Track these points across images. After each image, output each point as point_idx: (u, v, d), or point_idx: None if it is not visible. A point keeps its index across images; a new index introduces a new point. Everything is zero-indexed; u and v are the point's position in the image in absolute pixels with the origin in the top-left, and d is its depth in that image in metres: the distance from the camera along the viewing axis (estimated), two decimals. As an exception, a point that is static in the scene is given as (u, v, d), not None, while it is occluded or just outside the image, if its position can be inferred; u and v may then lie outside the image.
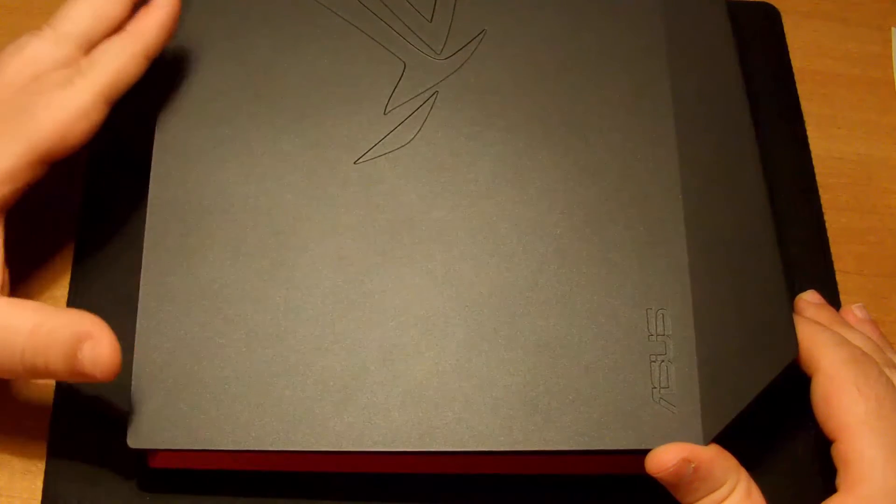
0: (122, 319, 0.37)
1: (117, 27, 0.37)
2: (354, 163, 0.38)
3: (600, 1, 0.42)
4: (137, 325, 0.35)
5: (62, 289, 0.40)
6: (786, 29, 0.50)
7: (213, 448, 0.34)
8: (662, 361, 0.35)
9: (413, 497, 0.37)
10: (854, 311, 0.40)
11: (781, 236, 0.38)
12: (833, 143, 0.48)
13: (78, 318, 0.32)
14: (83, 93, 0.35)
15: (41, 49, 0.36)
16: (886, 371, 0.36)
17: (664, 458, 0.33)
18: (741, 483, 0.34)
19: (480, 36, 0.41)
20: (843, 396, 0.34)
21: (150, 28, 0.37)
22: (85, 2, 0.37)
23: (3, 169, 0.34)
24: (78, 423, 0.37)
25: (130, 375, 0.34)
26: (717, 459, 0.33)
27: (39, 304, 0.33)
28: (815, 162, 0.46)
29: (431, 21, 0.41)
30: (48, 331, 0.32)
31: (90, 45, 0.37)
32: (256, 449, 0.34)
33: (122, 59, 0.36)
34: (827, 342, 0.36)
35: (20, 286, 0.39)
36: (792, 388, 0.36)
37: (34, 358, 0.32)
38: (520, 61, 0.40)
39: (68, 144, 0.35)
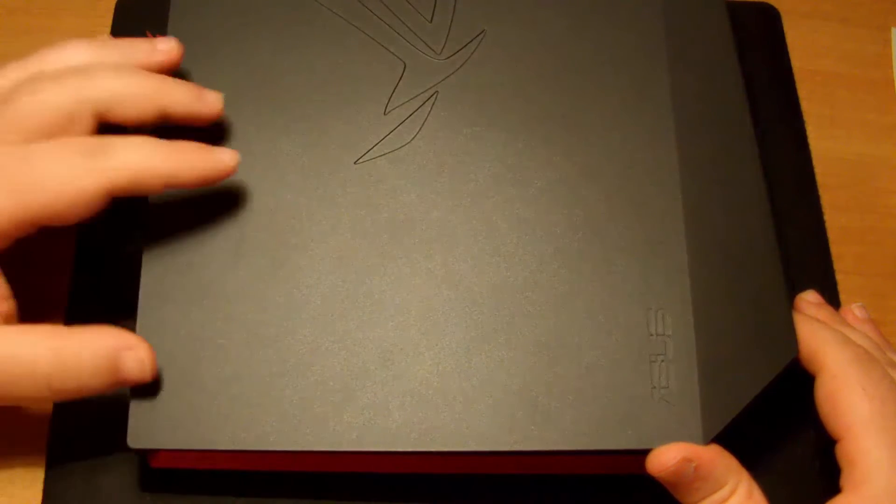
0: (122, 320, 0.38)
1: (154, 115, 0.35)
2: (354, 163, 0.38)
3: (600, 1, 0.42)
4: (137, 325, 0.35)
5: (63, 288, 0.40)
6: (786, 29, 0.50)
7: (213, 448, 0.34)
8: (662, 361, 0.35)
9: (413, 497, 0.37)
10: (854, 310, 0.40)
11: (781, 236, 0.38)
12: (833, 143, 0.48)
13: (103, 332, 0.33)
14: (95, 177, 0.33)
15: (52, 96, 0.33)
16: (889, 371, 0.36)
17: (665, 458, 0.33)
18: (742, 483, 0.33)
19: (480, 36, 0.41)
20: (848, 396, 0.34)
21: (191, 167, 0.34)
22: (121, 76, 0.35)
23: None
24: (78, 423, 0.37)
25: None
26: (717, 459, 0.33)
27: (51, 328, 0.32)
28: (815, 162, 0.46)
29: (431, 21, 0.41)
30: (74, 353, 0.32)
31: (103, 121, 0.34)
32: (256, 449, 0.34)
33: (148, 170, 0.33)
34: (830, 340, 0.36)
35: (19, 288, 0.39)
36: (792, 388, 0.36)
37: (63, 382, 0.32)
38: (520, 61, 0.40)
39: (60, 221, 0.33)
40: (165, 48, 0.37)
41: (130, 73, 0.35)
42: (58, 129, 0.33)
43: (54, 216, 0.33)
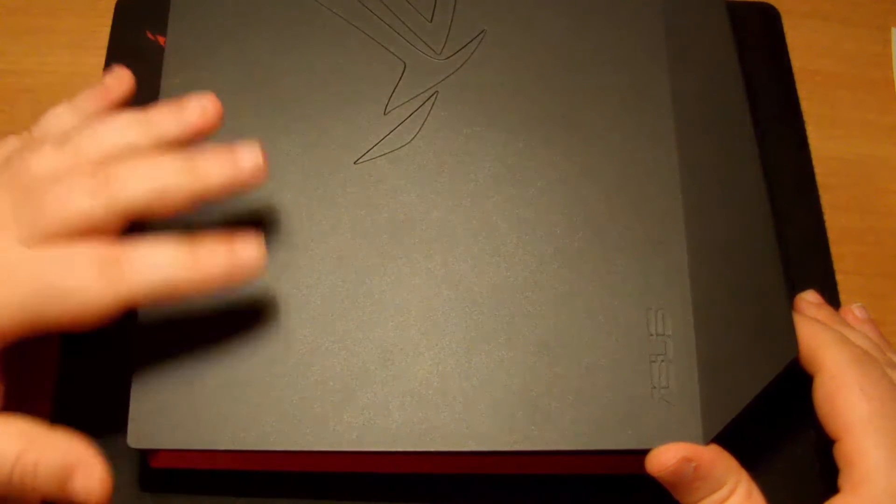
0: (120, 324, 0.38)
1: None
2: (354, 163, 0.38)
3: (600, 1, 0.42)
4: (137, 325, 0.35)
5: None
6: (786, 29, 0.50)
7: (213, 448, 0.34)
8: (662, 361, 0.35)
9: (413, 497, 0.37)
10: (854, 310, 0.40)
11: (781, 236, 0.38)
12: (833, 143, 0.48)
13: (66, 445, 0.31)
14: (111, 295, 0.31)
15: (83, 208, 0.31)
16: (888, 371, 0.36)
17: (664, 458, 0.33)
18: (742, 484, 0.33)
19: (480, 36, 0.41)
20: (846, 396, 0.34)
21: (214, 275, 0.32)
22: (153, 177, 0.32)
23: (3, 328, 0.31)
24: (78, 423, 0.37)
25: (130, 375, 0.34)
26: (717, 459, 0.33)
27: (25, 425, 0.31)
28: (815, 162, 0.46)
29: (431, 21, 0.41)
30: (34, 460, 0.31)
31: (137, 221, 0.32)
32: (256, 449, 0.34)
33: (165, 288, 0.32)
34: (829, 341, 0.36)
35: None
36: (792, 388, 0.36)
37: (22, 486, 0.31)
38: (520, 61, 0.40)
39: (74, 330, 0.32)
40: (197, 110, 0.34)
41: (163, 171, 0.32)
42: (83, 235, 0.32)
43: (64, 326, 0.31)
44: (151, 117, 0.34)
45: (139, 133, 0.34)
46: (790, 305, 0.37)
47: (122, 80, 0.37)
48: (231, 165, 0.33)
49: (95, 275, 0.31)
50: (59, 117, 0.36)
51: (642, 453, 0.34)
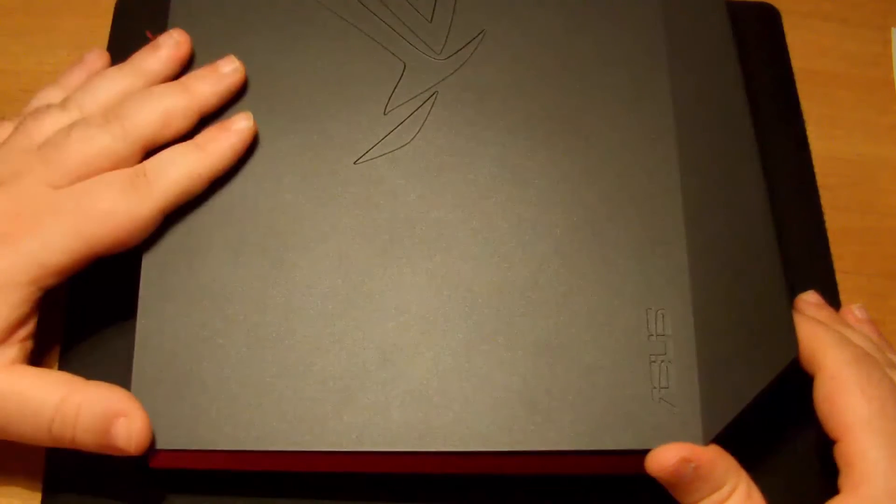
0: (120, 324, 0.38)
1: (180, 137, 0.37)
2: (354, 163, 0.38)
3: (600, 1, 0.42)
4: (137, 325, 0.35)
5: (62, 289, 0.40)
6: (786, 29, 0.50)
7: (213, 448, 0.34)
8: (662, 361, 0.35)
9: (413, 497, 0.37)
10: (854, 311, 0.40)
11: (781, 236, 0.38)
12: (833, 143, 0.48)
13: (108, 392, 0.33)
14: (148, 204, 0.35)
15: (105, 143, 0.35)
16: (888, 371, 0.36)
17: (664, 458, 0.33)
18: (741, 484, 0.34)
19: (480, 36, 0.41)
20: (846, 397, 0.34)
21: (222, 152, 0.37)
22: (155, 105, 0.37)
23: (56, 264, 0.34)
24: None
25: (130, 375, 0.34)
26: (717, 460, 0.33)
27: (68, 376, 0.34)
28: (815, 162, 0.46)
29: (431, 21, 0.41)
30: (78, 404, 0.33)
31: (151, 148, 0.36)
32: (256, 449, 0.34)
33: (190, 179, 0.36)
34: (830, 342, 0.36)
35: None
36: (792, 388, 0.36)
37: (62, 430, 0.33)
38: (519, 61, 0.40)
39: (121, 248, 0.35)
40: (171, 44, 0.39)
41: (162, 97, 0.37)
42: (106, 170, 0.35)
43: (115, 247, 0.35)
44: (134, 63, 0.39)
45: (129, 78, 0.38)
46: (790, 306, 0.37)
47: (100, 56, 0.41)
48: (216, 76, 0.38)
49: (125, 190, 0.35)
50: (49, 93, 0.40)
51: (642, 453, 0.34)
